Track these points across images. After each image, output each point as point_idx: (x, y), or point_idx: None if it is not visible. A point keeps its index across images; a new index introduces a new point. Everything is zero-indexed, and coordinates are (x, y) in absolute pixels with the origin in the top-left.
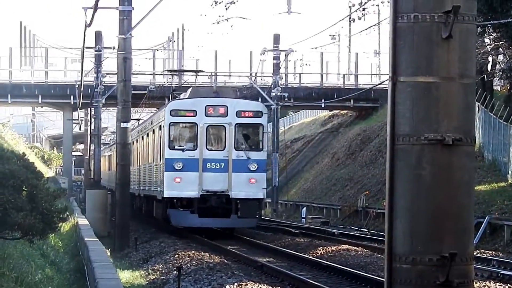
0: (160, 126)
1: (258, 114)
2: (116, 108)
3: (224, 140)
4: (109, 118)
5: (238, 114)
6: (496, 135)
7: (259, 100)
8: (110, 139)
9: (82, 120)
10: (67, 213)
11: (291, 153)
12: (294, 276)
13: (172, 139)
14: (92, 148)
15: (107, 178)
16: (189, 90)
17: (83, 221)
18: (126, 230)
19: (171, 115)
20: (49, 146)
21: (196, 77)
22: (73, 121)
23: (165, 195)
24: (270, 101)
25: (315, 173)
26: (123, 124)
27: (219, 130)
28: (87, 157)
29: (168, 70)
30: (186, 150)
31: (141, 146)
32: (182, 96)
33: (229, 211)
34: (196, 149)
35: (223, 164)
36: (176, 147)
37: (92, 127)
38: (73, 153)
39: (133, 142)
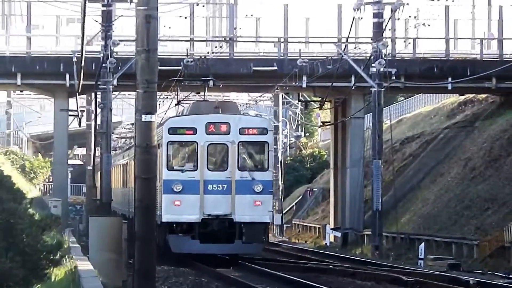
0: (158, 144)
1: (262, 131)
2: (134, 93)
3: (227, 159)
4: (123, 107)
5: (241, 131)
6: None
7: (352, 79)
8: (125, 141)
9: (83, 111)
10: (60, 253)
11: (401, 159)
12: None
13: (170, 159)
14: (98, 153)
15: (120, 199)
16: (189, 105)
17: (85, 265)
18: (151, 278)
19: (169, 134)
20: (32, 150)
21: (256, 44)
22: (70, 113)
23: (164, 220)
24: (368, 80)
25: (438, 190)
26: (145, 117)
27: (221, 149)
28: (90, 167)
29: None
30: (186, 170)
31: (132, 167)
32: (182, 110)
33: (233, 236)
34: (196, 170)
35: (225, 185)
36: (175, 167)
37: (99, 122)
38: (70, 162)
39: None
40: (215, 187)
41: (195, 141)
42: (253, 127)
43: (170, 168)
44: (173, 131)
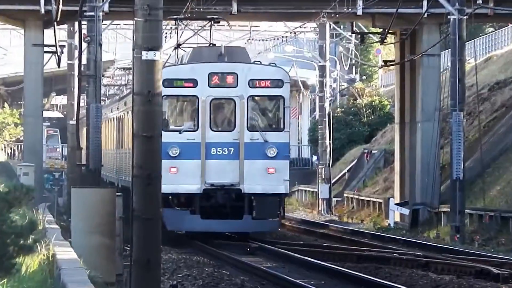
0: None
1: (277, 83)
2: (131, 23)
3: (234, 118)
4: (117, 42)
5: (252, 83)
6: None
7: (424, 3)
8: (120, 87)
9: (63, 47)
10: (34, 236)
11: (490, 111)
12: None
13: (166, 117)
14: (83, 103)
15: (113, 165)
16: (188, 52)
17: (66, 252)
18: (155, 270)
19: (164, 86)
20: None
21: None
22: (45, 50)
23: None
24: (445, 4)
25: None
26: (146, 55)
27: (227, 105)
28: (72, 122)
29: None
30: (184, 131)
31: (129, 121)
32: (181, 57)
33: (241, 211)
34: (197, 130)
35: (232, 149)
36: (171, 127)
37: (84, 62)
38: (46, 114)
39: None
40: (219, 151)
41: (196, 95)
42: (265, 79)
43: (165, 128)
44: (168, 83)
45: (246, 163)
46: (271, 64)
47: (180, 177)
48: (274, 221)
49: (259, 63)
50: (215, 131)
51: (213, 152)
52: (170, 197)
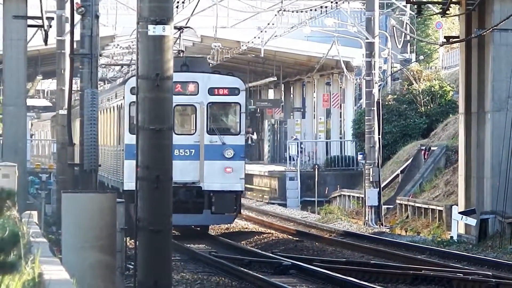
0: (120, 105)
1: (234, 91)
2: None
3: (195, 122)
4: (118, 13)
5: (211, 91)
6: None
7: None
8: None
9: (52, 19)
10: (16, 252)
11: None
12: None
13: (133, 121)
14: (76, 88)
15: (113, 165)
16: None
17: (55, 271)
18: None
19: (131, 93)
20: None
21: None
22: (29, 23)
23: (126, 188)
24: None
25: None
26: (154, 29)
27: (189, 110)
28: (63, 112)
29: None
30: None
31: (106, 120)
32: None
33: (201, 206)
34: None
35: (193, 150)
36: None
37: (77, 38)
38: (30, 102)
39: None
40: (182, 152)
41: None
42: (223, 87)
43: (132, 131)
44: (136, 90)
45: (206, 163)
46: (229, 74)
47: None
48: (230, 215)
49: (218, 72)
50: (178, 134)
51: (177, 153)
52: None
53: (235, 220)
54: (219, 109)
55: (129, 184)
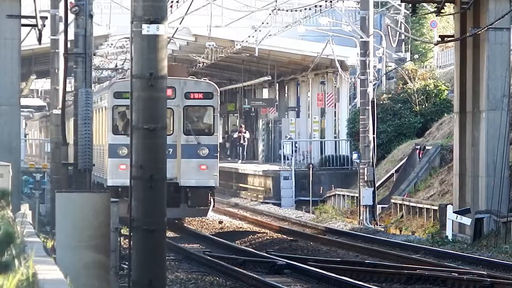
0: (104, 107)
1: (208, 95)
2: None
3: (172, 124)
4: (112, 12)
5: (187, 95)
6: None
7: None
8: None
9: (45, 18)
10: (9, 251)
11: None
12: None
13: (116, 123)
14: (70, 88)
15: (98, 162)
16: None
17: (49, 271)
18: None
19: (114, 98)
20: None
21: None
22: (23, 22)
23: (109, 184)
24: None
25: None
26: (148, 28)
27: (167, 113)
28: (57, 112)
29: None
30: None
31: (95, 121)
32: (128, 74)
33: (178, 200)
34: None
35: (171, 150)
36: (120, 131)
37: (71, 37)
38: (24, 102)
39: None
40: None
41: None
42: (198, 91)
43: (115, 132)
44: (118, 95)
45: (182, 161)
46: (204, 79)
47: (127, 173)
48: (205, 209)
49: (193, 78)
50: None
51: None
52: (119, 189)
53: (232, 220)
54: (195, 112)
55: (112, 180)
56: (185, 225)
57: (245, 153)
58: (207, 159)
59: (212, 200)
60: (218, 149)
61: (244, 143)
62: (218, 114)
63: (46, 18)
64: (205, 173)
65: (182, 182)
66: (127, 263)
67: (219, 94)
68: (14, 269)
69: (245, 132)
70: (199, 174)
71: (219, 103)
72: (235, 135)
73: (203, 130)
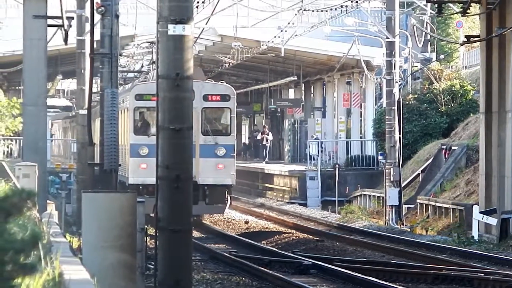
0: (126, 109)
1: (225, 97)
2: None
3: None
4: (138, 13)
5: (205, 98)
6: None
7: None
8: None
9: (72, 19)
10: (36, 252)
11: None
12: None
13: (137, 124)
14: (96, 88)
15: (121, 161)
16: (155, 71)
17: (76, 271)
18: None
19: (135, 100)
20: None
21: None
22: (49, 23)
23: (130, 182)
24: None
25: None
26: (174, 29)
27: None
28: (83, 112)
29: None
30: (152, 135)
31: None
32: (149, 76)
33: (197, 198)
34: None
35: None
36: (141, 132)
37: (97, 37)
38: (50, 102)
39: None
40: None
41: None
42: (216, 94)
43: (137, 132)
44: (139, 97)
45: (200, 160)
46: (221, 82)
47: (148, 171)
48: (222, 206)
49: (211, 81)
50: None
51: None
52: (140, 187)
53: (257, 220)
54: (212, 113)
55: (133, 179)
56: (212, 225)
57: (267, 153)
58: (224, 158)
59: (229, 197)
60: (235, 149)
61: (266, 144)
62: (235, 116)
63: (72, 18)
64: (222, 172)
65: (200, 181)
66: (153, 263)
67: (235, 96)
68: (40, 269)
69: (268, 134)
70: (216, 173)
71: (235, 104)
72: (258, 136)
73: (221, 130)
